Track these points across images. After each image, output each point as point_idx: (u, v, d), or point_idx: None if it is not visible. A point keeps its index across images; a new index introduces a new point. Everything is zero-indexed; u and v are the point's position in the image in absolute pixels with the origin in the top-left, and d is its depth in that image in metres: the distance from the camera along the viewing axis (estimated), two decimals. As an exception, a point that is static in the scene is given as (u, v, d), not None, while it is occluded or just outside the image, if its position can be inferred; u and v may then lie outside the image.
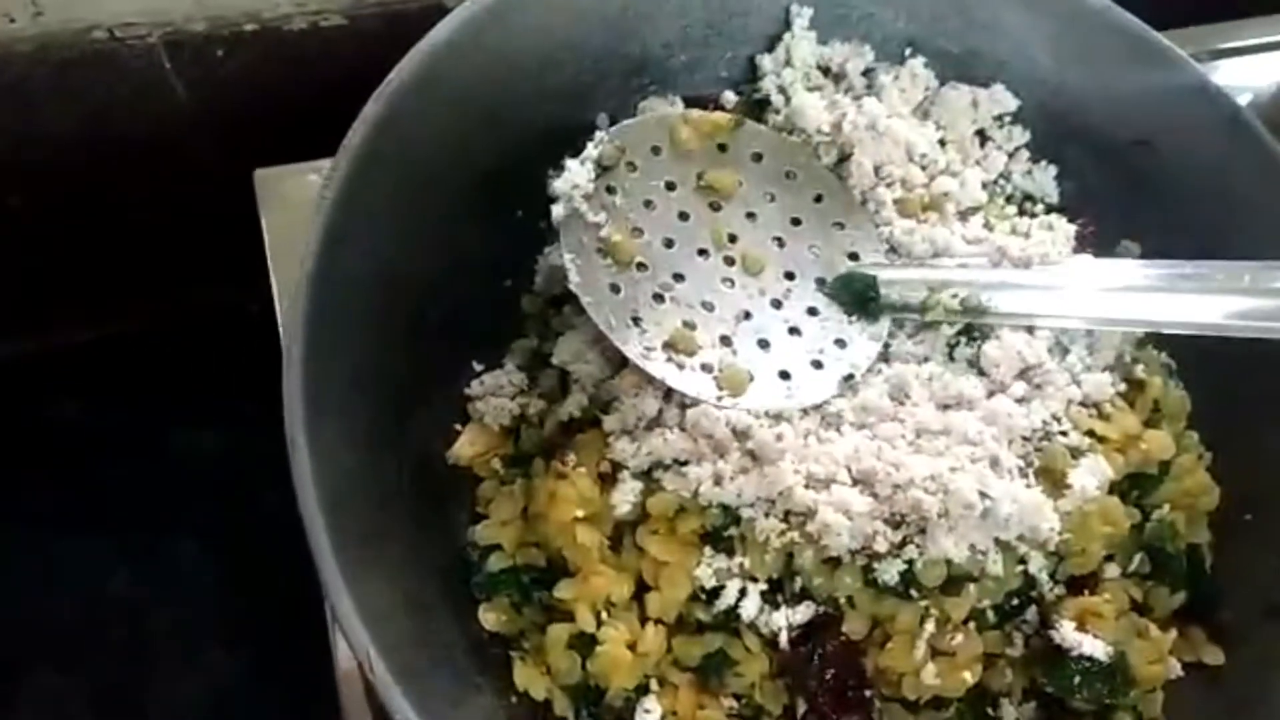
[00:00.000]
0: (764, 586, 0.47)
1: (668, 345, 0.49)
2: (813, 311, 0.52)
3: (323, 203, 0.46)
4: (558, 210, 0.50)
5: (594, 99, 0.57)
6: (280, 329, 0.57)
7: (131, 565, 0.85)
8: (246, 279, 0.65)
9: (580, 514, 0.47)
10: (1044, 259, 0.51)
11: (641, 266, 0.50)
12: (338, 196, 0.46)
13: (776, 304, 0.51)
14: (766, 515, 0.46)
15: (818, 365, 0.50)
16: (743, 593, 0.46)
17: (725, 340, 0.50)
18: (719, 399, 0.48)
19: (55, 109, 0.73)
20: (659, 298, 0.50)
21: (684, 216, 0.52)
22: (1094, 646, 0.47)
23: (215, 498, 0.84)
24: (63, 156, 0.77)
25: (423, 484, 0.50)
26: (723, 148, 0.54)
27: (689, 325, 0.49)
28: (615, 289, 0.49)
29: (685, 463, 0.47)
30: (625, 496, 0.47)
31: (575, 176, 0.50)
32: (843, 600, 0.46)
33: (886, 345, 0.52)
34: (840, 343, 0.51)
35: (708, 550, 0.47)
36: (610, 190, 0.51)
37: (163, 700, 0.81)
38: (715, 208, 0.53)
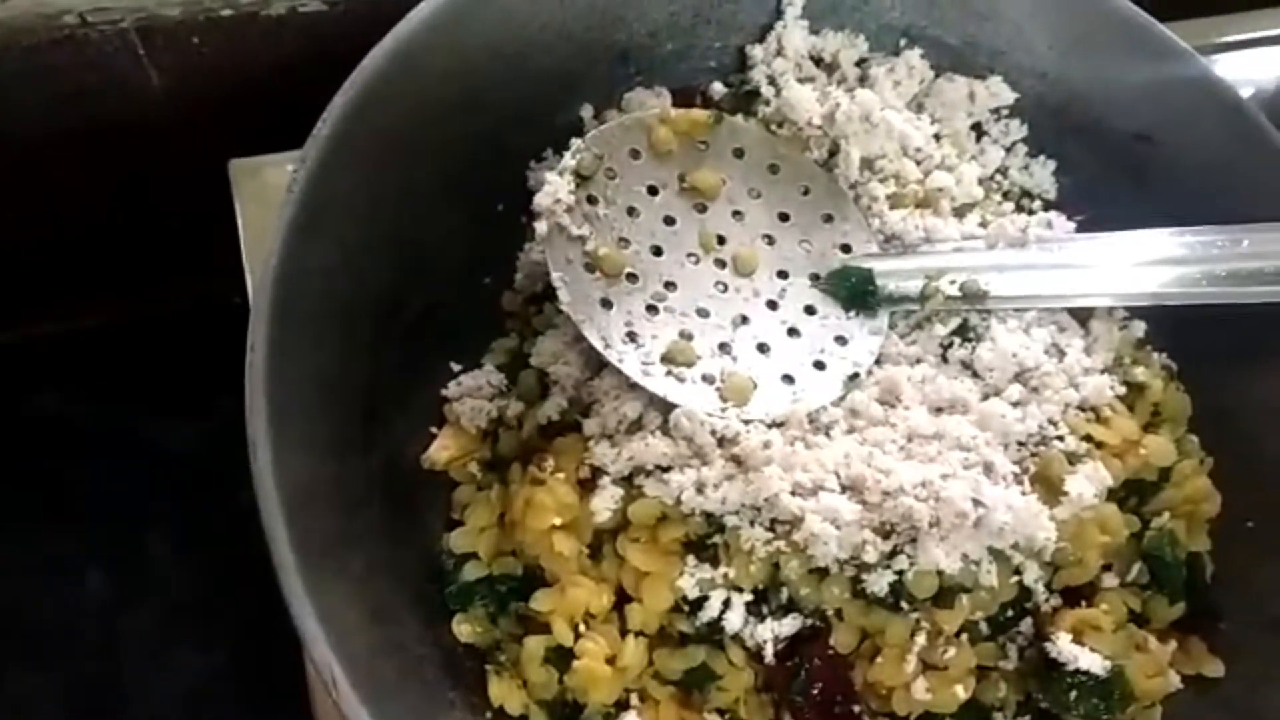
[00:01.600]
0: (749, 597, 0.45)
1: (666, 359, 0.47)
2: (810, 310, 0.50)
3: (290, 195, 0.44)
4: (541, 228, 0.48)
5: (578, 89, 0.56)
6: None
7: (105, 563, 0.83)
8: (226, 271, 0.64)
9: (558, 521, 0.45)
10: (1041, 239, 0.50)
11: (632, 278, 0.48)
12: (305, 188, 0.44)
13: (772, 305, 0.50)
14: (752, 524, 0.44)
15: (820, 366, 0.49)
16: (727, 604, 0.45)
17: (724, 348, 0.48)
18: (723, 410, 0.46)
19: (25, 97, 0.71)
20: (652, 309, 0.48)
21: (670, 221, 0.50)
22: (1091, 660, 0.45)
23: (191, 494, 0.82)
24: (33, 146, 0.75)
25: (394, 489, 0.48)
26: (703, 145, 0.52)
27: (685, 335, 0.48)
28: (607, 304, 0.47)
29: (668, 469, 0.45)
30: (605, 503, 0.45)
31: (556, 190, 0.48)
32: (830, 612, 0.45)
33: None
34: (841, 340, 0.49)
35: (690, 560, 0.45)
36: (592, 200, 0.49)
37: (137, 699, 0.79)
38: (701, 209, 0.51)
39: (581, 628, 0.45)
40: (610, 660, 0.45)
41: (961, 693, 0.45)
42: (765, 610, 0.45)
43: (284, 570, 0.38)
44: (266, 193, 0.66)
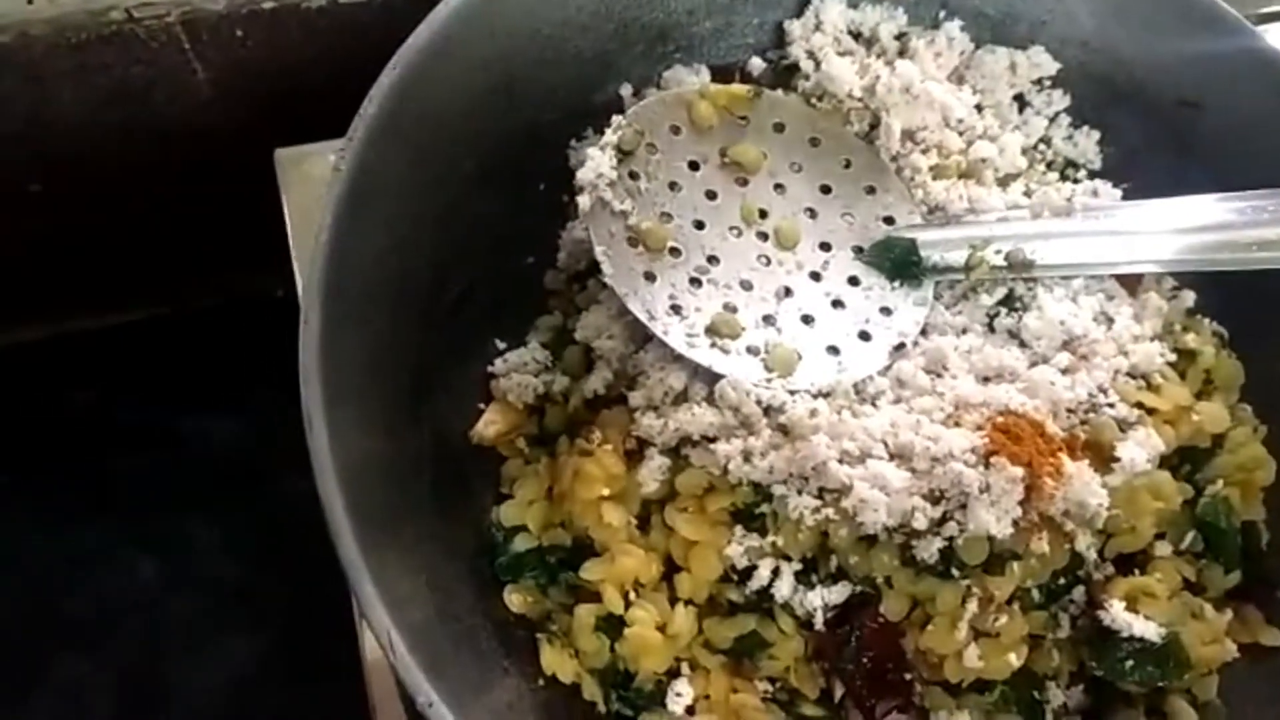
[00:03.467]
0: (798, 566, 0.45)
1: (710, 330, 0.47)
2: (854, 281, 0.50)
3: (337, 174, 0.44)
4: (584, 202, 0.48)
5: (618, 68, 0.56)
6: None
7: (152, 553, 0.84)
8: (270, 263, 0.64)
9: (606, 492, 0.46)
10: (1087, 207, 0.49)
11: (675, 252, 0.49)
12: (353, 167, 0.45)
13: (815, 277, 0.50)
14: (799, 492, 0.44)
15: (865, 337, 0.49)
16: (776, 572, 0.45)
17: (768, 320, 0.48)
18: (768, 381, 0.46)
19: (73, 92, 0.72)
20: (696, 282, 0.48)
21: (711, 195, 0.50)
22: (1145, 628, 0.45)
23: (235, 485, 0.84)
24: (81, 140, 0.76)
25: (445, 464, 0.48)
26: (743, 120, 0.52)
27: (730, 308, 0.48)
28: (650, 277, 0.48)
29: (714, 439, 0.45)
30: (652, 474, 0.45)
31: (598, 165, 0.48)
32: (880, 580, 0.45)
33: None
34: (886, 311, 0.49)
35: (739, 529, 0.45)
36: (634, 176, 0.49)
37: (183, 687, 0.80)
38: (742, 183, 0.51)
39: (631, 596, 0.46)
40: (660, 629, 0.45)
41: (1014, 660, 0.45)
42: (815, 578, 0.45)
43: (342, 540, 0.38)
44: (311, 182, 0.67)
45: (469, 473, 0.50)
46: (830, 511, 0.44)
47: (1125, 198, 0.54)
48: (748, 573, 0.45)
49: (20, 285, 0.85)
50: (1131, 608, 0.46)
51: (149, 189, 0.81)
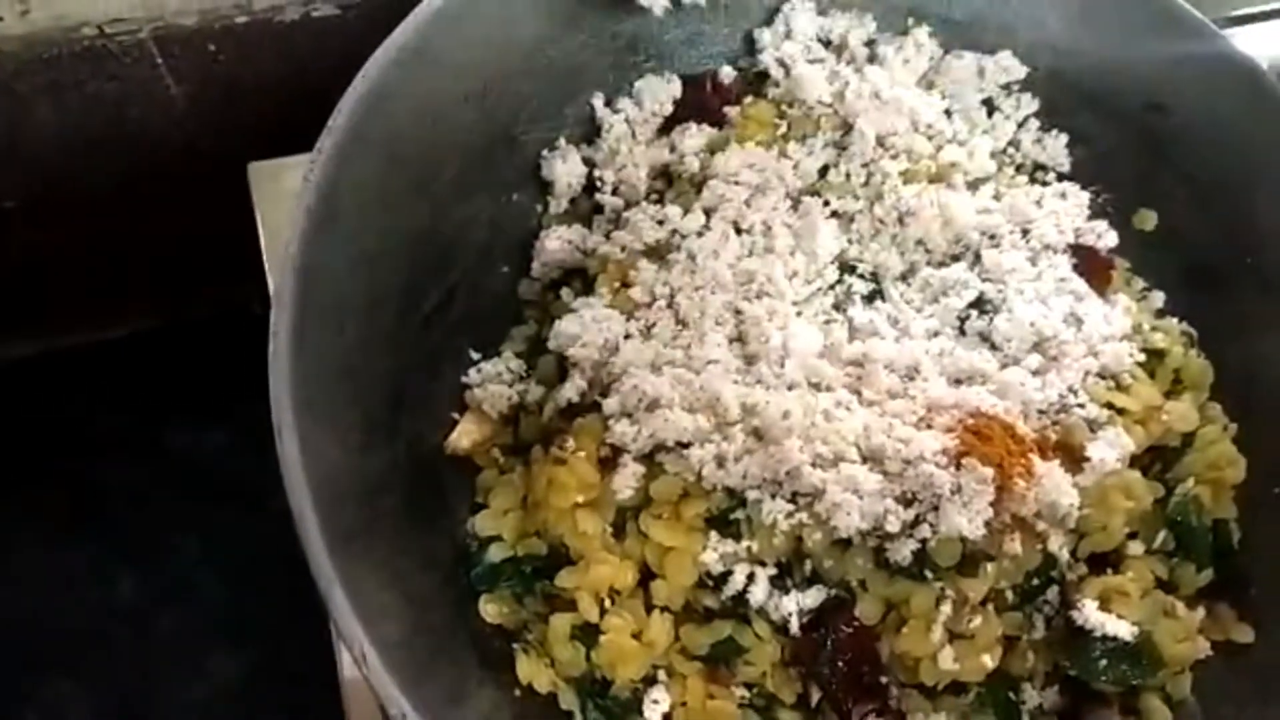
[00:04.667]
0: (773, 571, 0.45)
1: None
2: None
3: (306, 184, 0.44)
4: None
5: (590, 75, 0.56)
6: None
7: (135, 569, 0.84)
8: (247, 277, 0.64)
9: (580, 499, 0.46)
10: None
11: None
12: (322, 178, 0.45)
13: None
14: (773, 497, 0.44)
15: None
16: (751, 578, 0.45)
17: None
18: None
19: (47, 108, 0.72)
20: None
21: None
22: (1118, 627, 0.45)
23: (217, 500, 0.83)
24: (57, 157, 0.76)
25: (420, 475, 0.48)
26: None
27: None
28: None
29: (688, 445, 0.45)
30: (627, 481, 0.46)
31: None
32: (854, 583, 0.45)
33: (895, 320, 0.50)
34: None
35: (713, 535, 0.45)
36: None
37: (167, 703, 0.80)
38: None
39: (607, 604, 0.46)
40: (636, 636, 0.45)
41: (989, 662, 0.45)
42: (789, 583, 0.45)
43: (313, 551, 0.39)
44: (285, 195, 0.66)
45: (444, 484, 0.50)
46: (804, 516, 0.44)
47: (1095, 200, 0.54)
48: (723, 579, 0.45)
49: (2, 302, 0.85)
50: (1105, 607, 0.46)
51: (126, 204, 0.81)
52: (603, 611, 0.45)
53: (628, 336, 0.49)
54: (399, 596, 0.43)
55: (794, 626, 0.45)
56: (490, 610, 0.47)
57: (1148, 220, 0.55)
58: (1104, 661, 0.45)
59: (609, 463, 0.46)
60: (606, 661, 0.45)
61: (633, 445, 0.46)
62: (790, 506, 0.44)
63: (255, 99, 0.75)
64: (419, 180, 0.50)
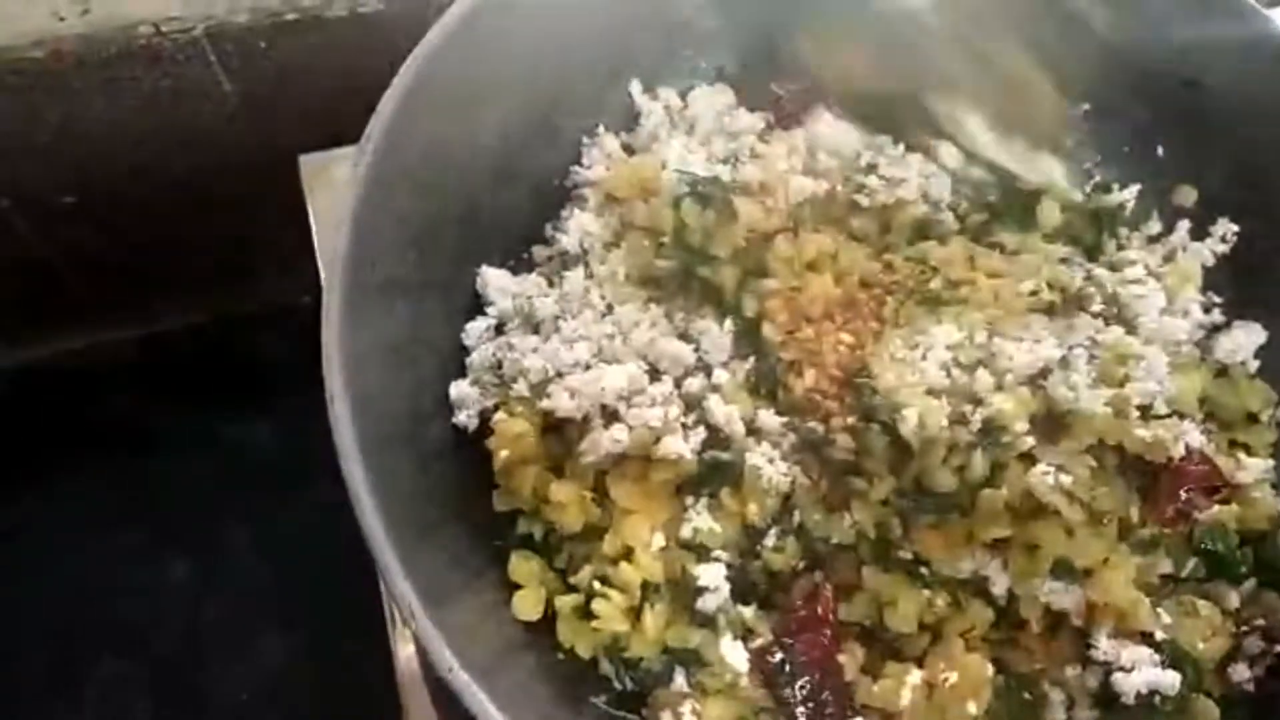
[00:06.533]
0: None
1: None
2: None
3: (355, 173, 0.46)
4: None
5: (628, 66, 0.57)
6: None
7: (186, 554, 0.86)
8: (295, 272, 0.66)
9: (505, 454, 0.48)
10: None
11: None
12: (372, 162, 0.46)
13: None
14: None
15: None
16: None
17: None
18: None
19: (103, 105, 0.74)
20: None
21: None
22: (1157, 677, 0.44)
23: (265, 488, 0.85)
24: (113, 153, 0.78)
25: (468, 447, 0.49)
26: None
27: None
28: None
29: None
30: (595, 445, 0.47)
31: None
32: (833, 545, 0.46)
33: None
34: None
35: (690, 499, 0.47)
36: None
37: (220, 686, 0.82)
38: None
39: (596, 585, 0.46)
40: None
41: (973, 709, 0.45)
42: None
43: (362, 510, 0.40)
44: (335, 187, 0.68)
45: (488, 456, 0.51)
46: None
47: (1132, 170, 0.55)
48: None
49: (56, 297, 0.88)
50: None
51: (178, 199, 0.83)
52: (590, 594, 0.46)
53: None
54: (447, 562, 0.44)
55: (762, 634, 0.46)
56: (520, 573, 0.48)
57: (1188, 198, 0.56)
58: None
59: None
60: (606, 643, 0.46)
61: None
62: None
63: (305, 92, 0.77)
64: (464, 166, 0.51)
